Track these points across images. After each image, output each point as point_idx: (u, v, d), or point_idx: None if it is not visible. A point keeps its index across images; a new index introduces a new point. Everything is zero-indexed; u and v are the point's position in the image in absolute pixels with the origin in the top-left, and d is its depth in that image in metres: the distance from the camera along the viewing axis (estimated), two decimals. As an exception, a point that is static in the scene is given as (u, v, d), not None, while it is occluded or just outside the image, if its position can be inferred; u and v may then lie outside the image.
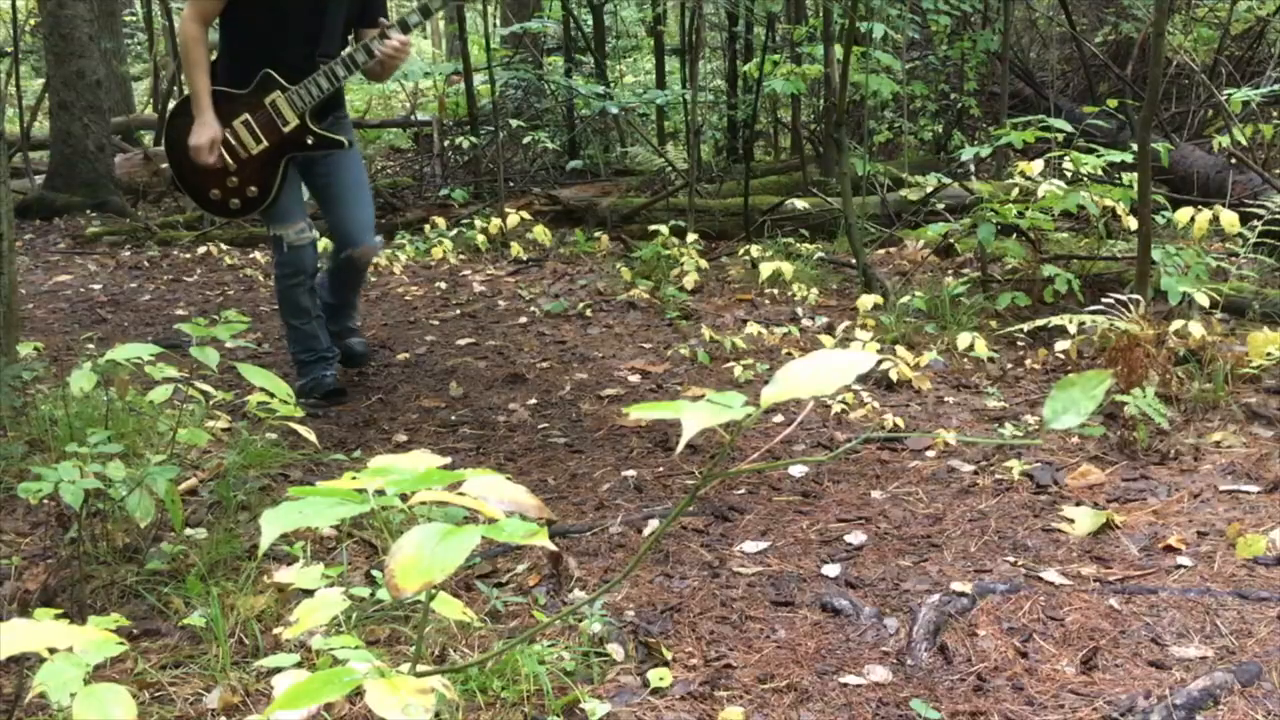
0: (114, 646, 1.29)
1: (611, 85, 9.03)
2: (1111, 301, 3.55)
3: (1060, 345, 4.01)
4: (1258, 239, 4.09)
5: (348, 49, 3.70)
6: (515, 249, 6.43)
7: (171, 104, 10.07)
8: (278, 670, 1.57)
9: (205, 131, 3.61)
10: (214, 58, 3.72)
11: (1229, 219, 3.98)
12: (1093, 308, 3.69)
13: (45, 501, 2.62)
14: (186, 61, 3.66)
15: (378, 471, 1.09)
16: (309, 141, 3.70)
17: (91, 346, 4.81)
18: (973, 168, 7.00)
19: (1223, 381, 3.52)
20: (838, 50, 6.11)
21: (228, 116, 3.66)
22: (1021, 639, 2.24)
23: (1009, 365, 4.18)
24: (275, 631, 2.24)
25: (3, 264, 3.24)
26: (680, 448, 1.04)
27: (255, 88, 3.66)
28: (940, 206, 6.01)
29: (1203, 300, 3.82)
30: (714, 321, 4.98)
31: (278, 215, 3.78)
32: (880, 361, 3.95)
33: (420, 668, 1.08)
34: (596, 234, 6.72)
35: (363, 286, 4.35)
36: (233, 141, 3.66)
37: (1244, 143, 5.44)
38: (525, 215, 6.55)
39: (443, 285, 5.96)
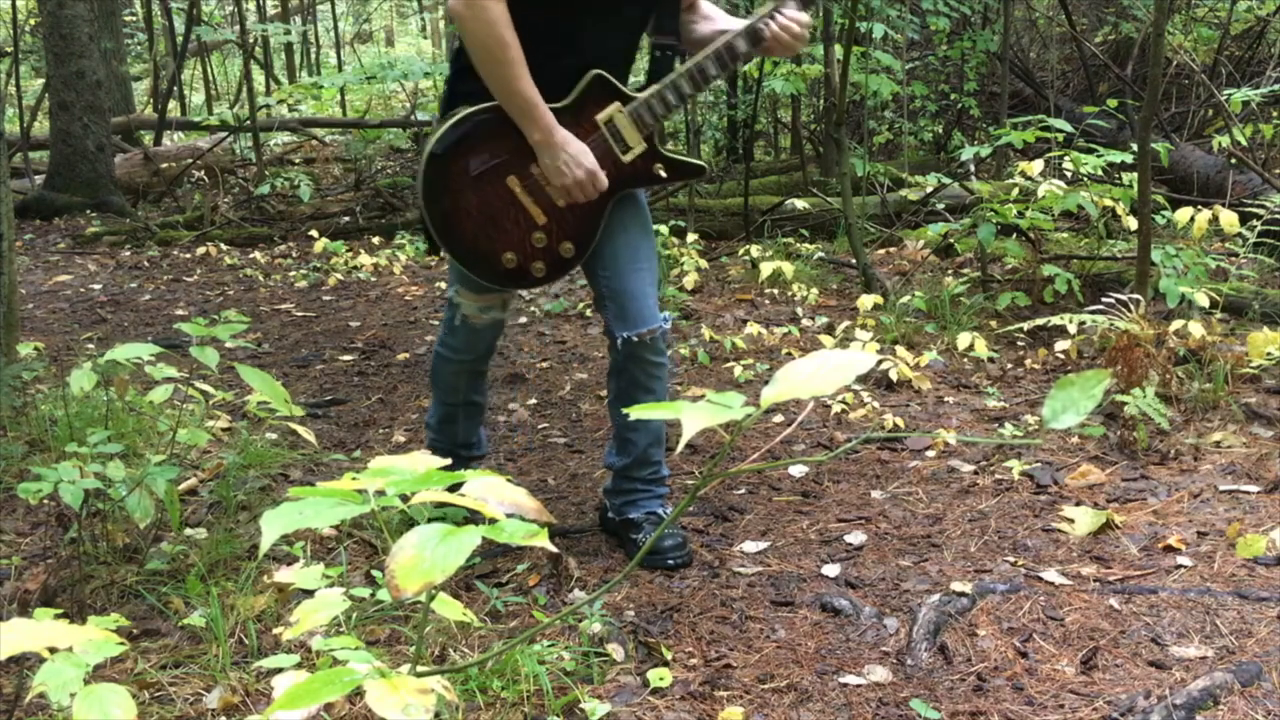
0: (114, 646, 1.29)
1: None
2: (1111, 301, 3.55)
3: (1060, 345, 4.01)
4: (1257, 239, 4.09)
5: (719, 42, 2.47)
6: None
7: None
8: (278, 670, 1.57)
9: (575, 155, 2.40)
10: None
11: (1229, 219, 3.98)
12: (1093, 308, 3.69)
13: (45, 501, 2.62)
14: (499, 57, 2.33)
15: (378, 472, 1.09)
16: (660, 173, 2.54)
17: (91, 346, 4.81)
18: (973, 168, 7.00)
19: (1223, 381, 3.52)
20: (838, 50, 6.11)
21: (527, 157, 2.45)
22: (1021, 639, 2.24)
23: (1009, 365, 4.18)
24: (275, 631, 2.24)
25: (3, 264, 3.24)
26: (680, 447, 1.04)
27: (581, 97, 2.44)
28: (940, 206, 6.01)
29: (1203, 300, 3.82)
30: (714, 321, 4.98)
31: (468, 276, 2.59)
32: (880, 361, 3.95)
33: (420, 668, 1.08)
34: (596, 234, 6.71)
35: (655, 422, 2.71)
36: (544, 183, 2.46)
37: (1244, 143, 5.44)
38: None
39: (443, 285, 5.96)
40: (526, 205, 2.47)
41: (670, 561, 2.62)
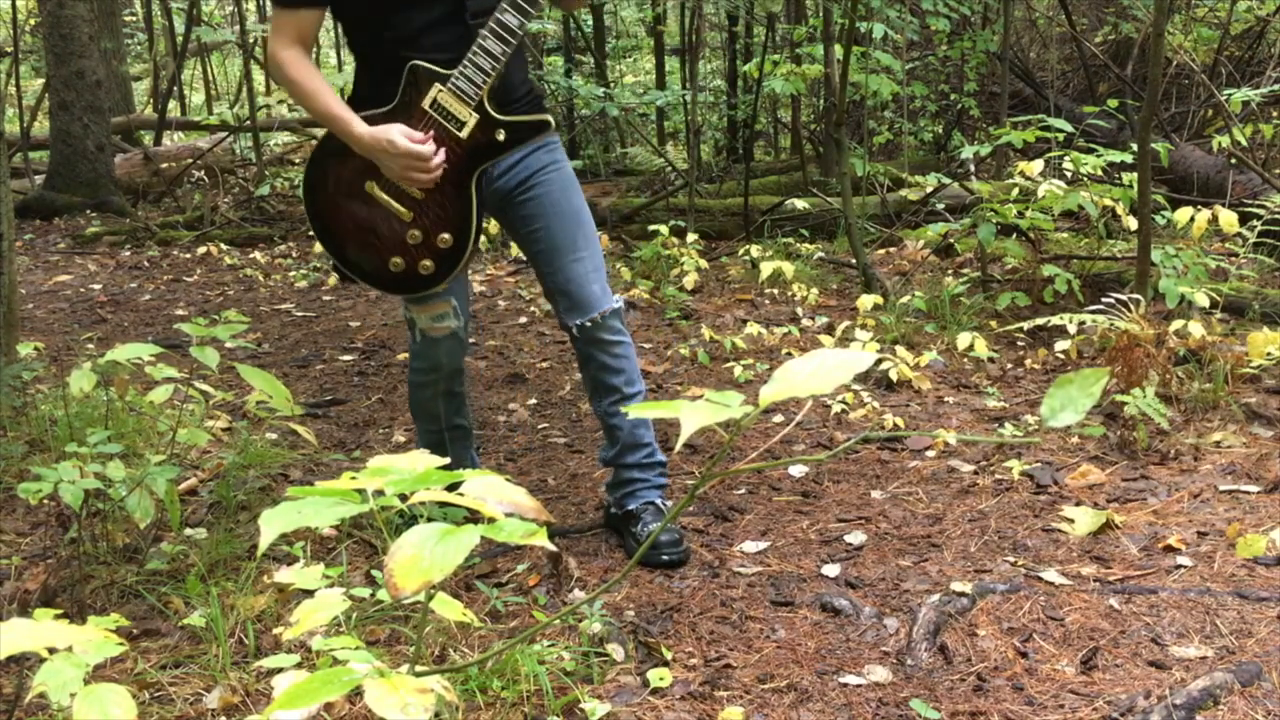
0: (114, 646, 1.29)
1: (611, 85, 9.03)
2: (1111, 301, 3.55)
3: (1060, 345, 4.01)
4: (1257, 239, 4.09)
5: None
6: (515, 248, 6.44)
7: (156, 111, 10.05)
8: (278, 670, 1.57)
9: (391, 143, 2.41)
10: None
11: (1228, 219, 3.98)
12: (1092, 308, 3.69)
13: (45, 501, 2.62)
14: (297, 93, 2.51)
15: (377, 471, 1.09)
16: (500, 138, 2.46)
17: (91, 346, 4.81)
18: (973, 168, 7.00)
19: (1223, 381, 3.52)
20: (838, 50, 6.11)
21: None
22: (1021, 639, 2.24)
23: (1009, 365, 4.18)
24: (275, 631, 2.24)
25: (3, 264, 3.24)
26: (679, 447, 1.04)
27: (404, 91, 2.45)
28: (940, 206, 6.01)
29: (1202, 300, 3.82)
30: (714, 321, 4.98)
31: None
32: (880, 361, 3.95)
33: (420, 668, 1.08)
34: (596, 234, 6.72)
35: (636, 399, 2.70)
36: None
37: (1244, 143, 5.44)
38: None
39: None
40: (391, 206, 2.49)
41: (665, 557, 2.62)
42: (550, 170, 2.61)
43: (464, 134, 2.45)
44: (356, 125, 2.43)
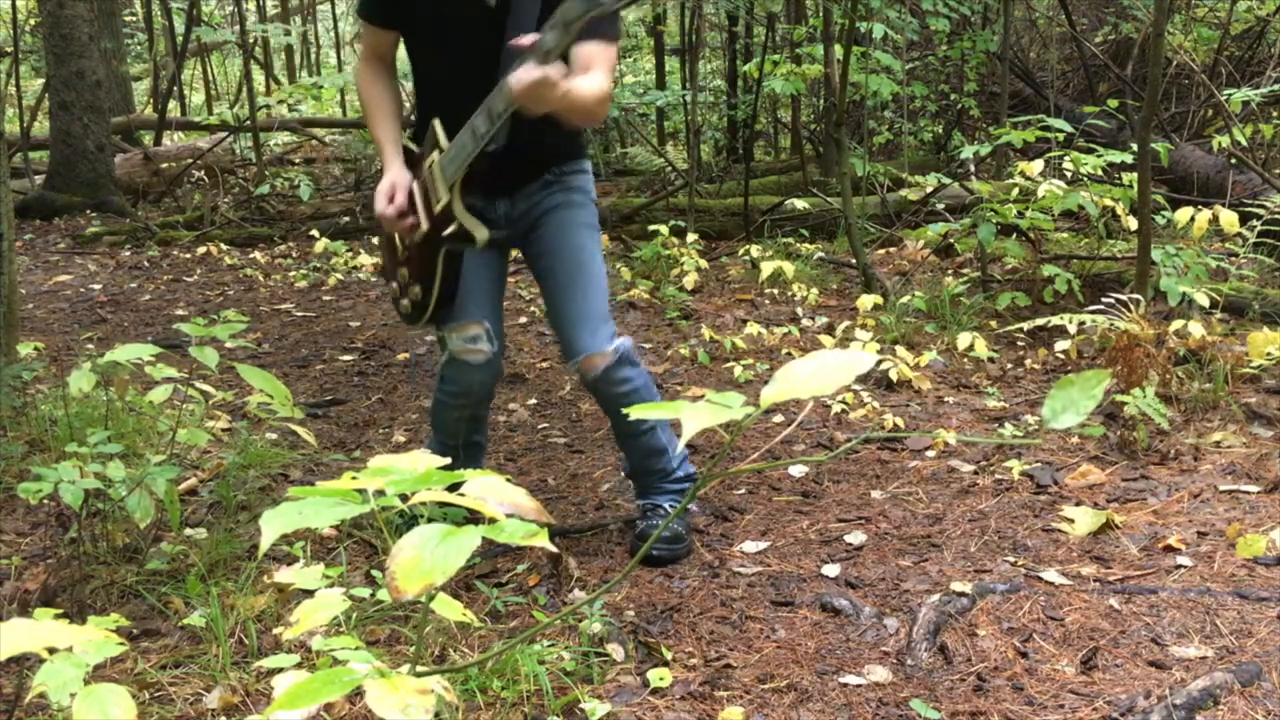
0: (114, 646, 1.29)
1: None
2: (1111, 301, 3.55)
3: (1060, 345, 4.01)
4: (1257, 239, 4.09)
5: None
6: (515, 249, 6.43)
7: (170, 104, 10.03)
8: (278, 670, 1.57)
9: (384, 181, 2.51)
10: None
11: (1228, 219, 3.98)
12: (1093, 308, 3.69)
13: (45, 501, 2.62)
14: (361, 109, 2.64)
15: (377, 472, 1.09)
16: (451, 231, 2.44)
17: (91, 346, 4.81)
18: (973, 168, 7.00)
19: (1223, 381, 3.52)
20: (838, 50, 6.11)
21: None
22: (1021, 639, 2.24)
23: (1009, 365, 4.18)
24: (275, 631, 2.24)
25: (3, 264, 3.24)
26: (679, 447, 1.04)
27: (426, 142, 2.48)
28: (940, 206, 6.01)
29: (1203, 300, 3.82)
30: (714, 321, 4.98)
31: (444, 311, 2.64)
32: (880, 361, 3.95)
33: (420, 668, 1.08)
34: (596, 234, 6.72)
35: (641, 439, 2.74)
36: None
37: (1244, 143, 5.44)
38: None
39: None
40: (395, 239, 2.58)
41: (654, 552, 2.63)
42: (562, 210, 2.59)
43: (437, 209, 2.44)
44: (388, 158, 2.53)
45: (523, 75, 2.07)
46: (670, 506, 2.75)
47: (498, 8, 2.39)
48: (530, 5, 2.36)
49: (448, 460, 1.16)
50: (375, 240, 2.65)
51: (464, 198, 2.42)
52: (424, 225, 2.46)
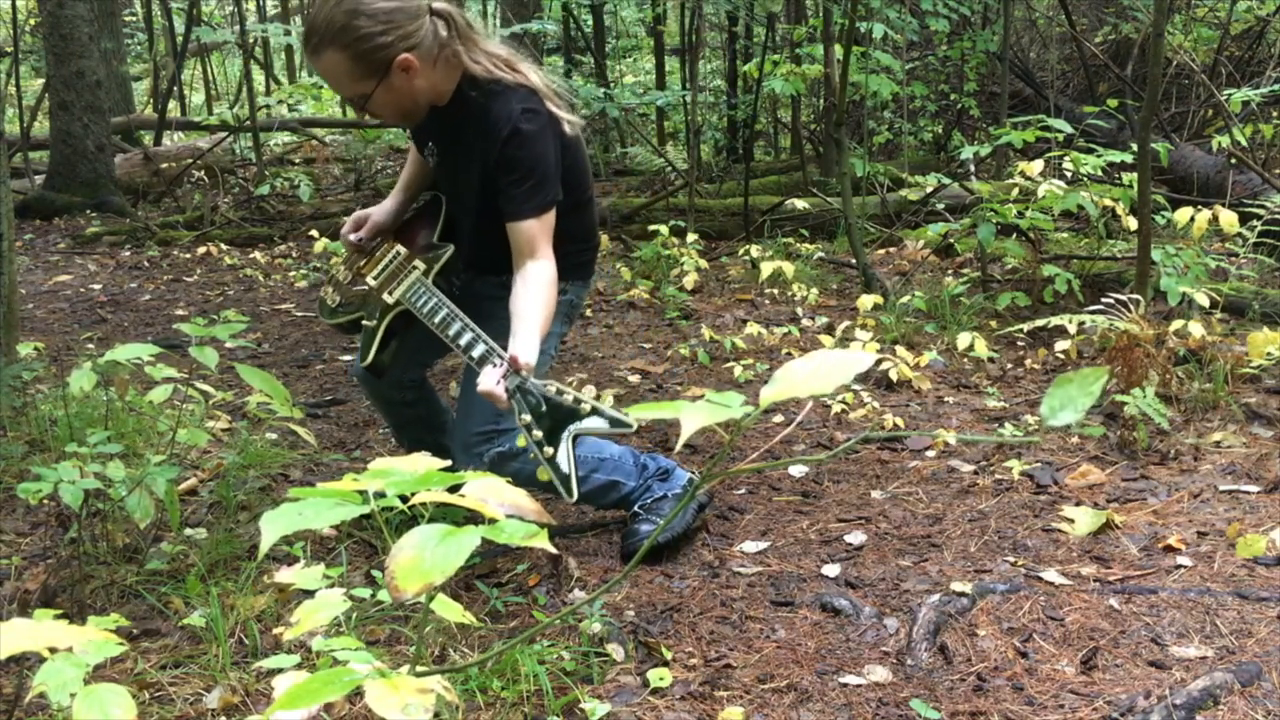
0: (114, 646, 1.29)
1: (611, 85, 9.03)
2: (1111, 301, 3.55)
3: (1060, 345, 4.01)
4: (1257, 239, 4.09)
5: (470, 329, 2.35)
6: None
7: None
8: (278, 670, 1.57)
9: (372, 210, 2.75)
10: None
11: (1228, 219, 3.98)
12: (1093, 308, 3.69)
13: (45, 501, 2.62)
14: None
15: (378, 473, 1.09)
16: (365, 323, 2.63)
17: (91, 346, 4.81)
18: (972, 168, 7.00)
19: (1223, 381, 3.52)
20: (838, 50, 6.11)
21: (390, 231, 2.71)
22: (1021, 639, 2.24)
23: (1009, 365, 4.18)
24: (275, 632, 2.24)
25: (3, 264, 3.24)
26: (679, 447, 1.04)
27: (429, 219, 2.67)
28: (940, 206, 6.01)
29: (1203, 300, 3.82)
30: (714, 321, 4.98)
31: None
32: (880, 361, 3.95)
33: (420, 668, 1.08)
34: (596, 234, 6.72)
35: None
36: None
37: (1244, 143, 5.44)
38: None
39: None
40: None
41: (628, 543, 2.67)
42: (493, 303, 2.51)
43: (383, 296, 2.53)
44: (393, 192, 2.75)
45: (487, 384, 2.15)
46: (643, 509, 2.73)
47: (438, 168, 2.60)
48: (469, 171, 2.46)
49: (447, 462, 1.16)
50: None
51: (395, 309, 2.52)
52: (374, 284, 2.58)
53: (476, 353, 2.29)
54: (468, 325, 2.33)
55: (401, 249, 2.59)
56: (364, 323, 2.58)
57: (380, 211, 2.71)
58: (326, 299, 2.74)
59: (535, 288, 2.33)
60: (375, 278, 2.59)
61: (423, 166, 2.71)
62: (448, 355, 2.84)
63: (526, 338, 2.22)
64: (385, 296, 2.52)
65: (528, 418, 2.05)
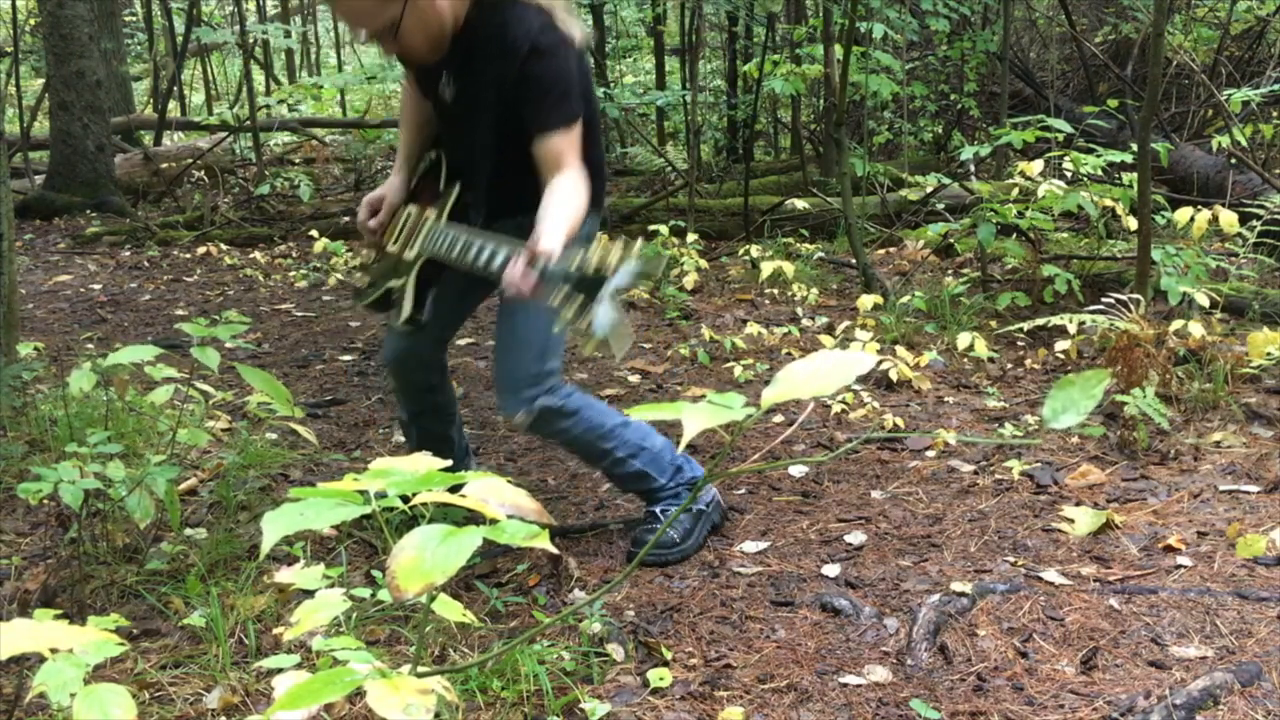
0: (114, 646, 1.29)
1: (611, 85, 9.03)
2: (1111, 301, 3.55)
3: (1060, 345, 4.01)
4: (1257, 239, 4.09)
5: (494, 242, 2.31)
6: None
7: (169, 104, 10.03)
8: (278, 670, 1.57)
9: (378, 191, 2.73)
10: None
11: (1228, 219, 3.98)
12: (1093, 308, 3.69)
13: (45, 501, 2.62)
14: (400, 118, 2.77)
15: (378, 473, 1.09)
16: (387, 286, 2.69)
17: (91, 346, 4.81)
18: (972, 168, 7.00)
19: (1223, 381, 3.52)
20: (838, 50, 6.11)
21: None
22: (1021, 639, 2.24)
23: (1009, 365, 4.18)
24: (275, 632, 2.24)
25: (3, 264, 3.24)
26: (680, 448, 1.04)
27: (430, 181, 2.67)
28: (940, 206, 6.01)
29: (1203, 300, 3.82)
30: (714, 321, 4.98)
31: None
32: (880, 361, 3.95)
33: (420, 668, 1.08)
34: (596, 234, 6.72)
35: (612, 472, 2.76)
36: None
37: (1244, 143, 5.44)
38: (525, 215, 6.55)
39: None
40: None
41: (648, 558, 2.63)
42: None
43: (405, 255, 2.58)
44: (395, 169, 2.72)
45: (512, 278, 2.11)
46: (664, 514, 2.74)
47: (454, 102, 2.51)
48: (486, 96, 2.43)
49: (448, 462, 1.16)
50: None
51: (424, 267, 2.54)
52: (395, 249, 2.62)
53: (498, 261, 2.22)
54: (486, 241, 2.29)
55: (413, 208, 2.63)
56: (393, 285, 2.57)
57: (390, 189, 2.71)
58: (357, 284, 2.74)
59: (562, 193, 2.31)
60: (395, 243, 2.62)
61: (419, 133, 2.70)
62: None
63: (549, 230, 2.19)
64: (406, 254, 2.55)
65: (560, 295, 1.98)
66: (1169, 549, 2.61)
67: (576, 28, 2.42)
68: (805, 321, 4.92)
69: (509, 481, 1.09)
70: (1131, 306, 3.52)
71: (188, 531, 2.70)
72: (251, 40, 12.11)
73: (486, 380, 4.29)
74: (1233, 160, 5.68)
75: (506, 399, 2.56)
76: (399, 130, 2.75)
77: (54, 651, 1.29)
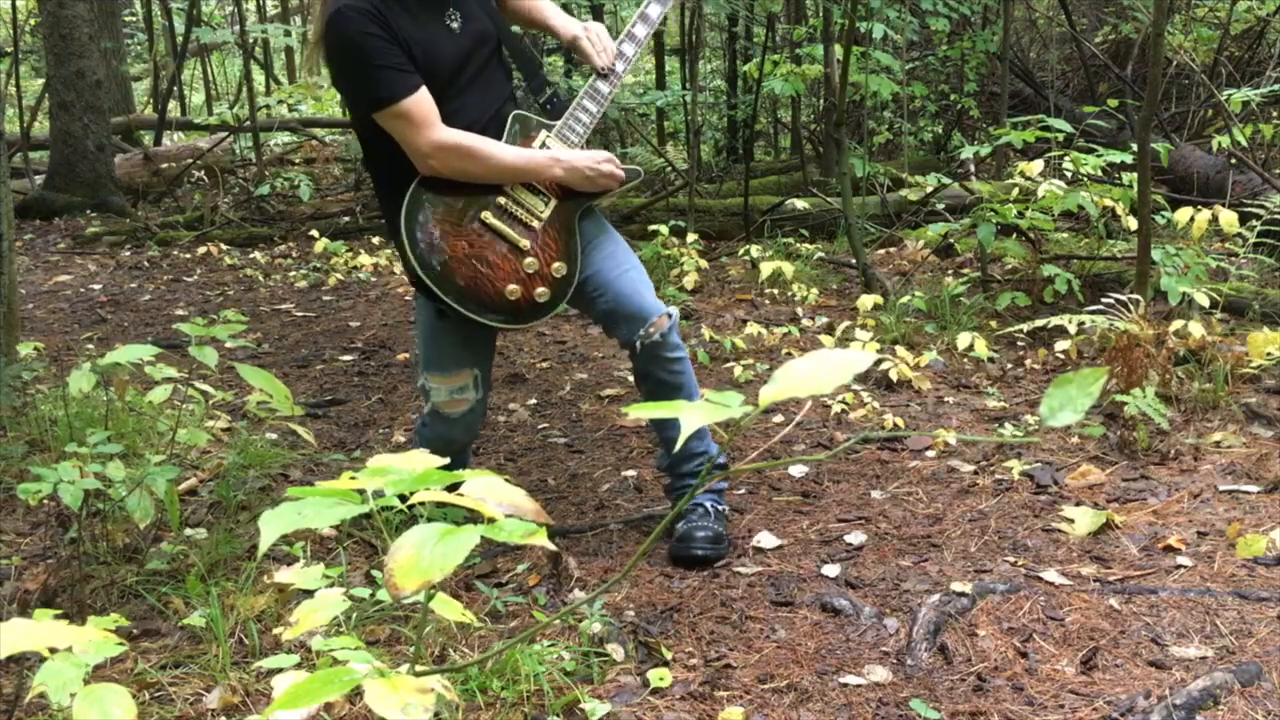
0: (114, 646, 1.29)
1: (611, 85, 9.01)
2: (1111, 301, 3.55)
3: (1060, 345, 4.01)
4: (1257, 239, 4.09)
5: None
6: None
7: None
8: (278, 670, 1.57)
9: (589, 160, 2.61)
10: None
11: (1228, 219, 3.98)
12: (1093, 308, 3.69)
13: (45, 501, 2.62)
14: (475, 160, 2.52)
15: (377, 472, 1.09)
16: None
17: (91, 346, 4.81)
18: (973, 168, 7.00)
19: (1223, 381, 3.52)
20: (838, 50, 6.11)
21: (490, 189, 2.57)
22: (1021, 639, 2.24)
23: (1009, 365, 4.18)
24: (275, 631, 2.24)
25: (3, 264, 3.24)
26: (679, 447, 1.04)
27: (509, 136, 2.61)
28: (940, 206, 6.01)
29: (1203, 300, 3.82)
30: (714, 321, 4.98)
31: (431, 357, 2.67)
32: (880, 361, 3.95)
33: (420, 668, 1.08)
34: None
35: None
36: (515, 210, 2.57)
37: (1244, 143, 5.44)
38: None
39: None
40: (508, 233, 2.56)
41: (699, 552, 2.63)
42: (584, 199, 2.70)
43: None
44: (544, 156, 2.59)
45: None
46: (709, 506, 2.74)
47: (461, 30, 2.58)
48: (478, 10, 2.62)
49: (446, 460, 1.16)
50: (455, 252, 2.55)
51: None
52: (553, 199, 2.61)
53: (605, 88, 2.70)
54: (578, 104, 2.68)
55: (542, 137, 2.68)
56: (571, 263, 2.63)
57: (573, 150, 2.69)
58: (537, 299, 2.60)
59: None
60: (538, 213, 2.61)
61: (481, 130, 2.60)
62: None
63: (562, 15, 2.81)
64: (550, 206, 2.62)
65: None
66: (1169, 549, 2.61)
67: None
68: (805, 321, 4.92)
69: (508, 481, 1.09)
70: (1131, 306, 3.52)
71: (188, 531, 2.70)
72: (251, 40, 12.12)
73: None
74: (1233, 160, 5.68)
75: (649, 303, 2.63)
76: (498, 152, 2.56)
77: (54, 651, 1.29)
